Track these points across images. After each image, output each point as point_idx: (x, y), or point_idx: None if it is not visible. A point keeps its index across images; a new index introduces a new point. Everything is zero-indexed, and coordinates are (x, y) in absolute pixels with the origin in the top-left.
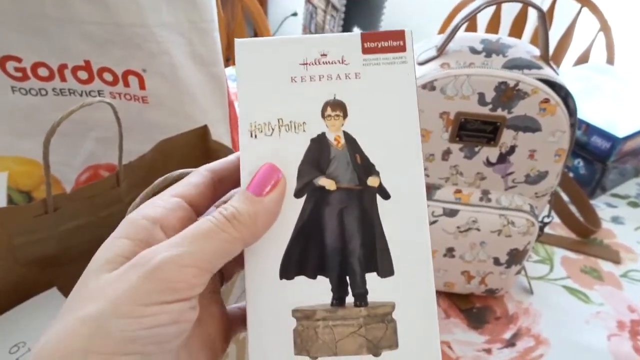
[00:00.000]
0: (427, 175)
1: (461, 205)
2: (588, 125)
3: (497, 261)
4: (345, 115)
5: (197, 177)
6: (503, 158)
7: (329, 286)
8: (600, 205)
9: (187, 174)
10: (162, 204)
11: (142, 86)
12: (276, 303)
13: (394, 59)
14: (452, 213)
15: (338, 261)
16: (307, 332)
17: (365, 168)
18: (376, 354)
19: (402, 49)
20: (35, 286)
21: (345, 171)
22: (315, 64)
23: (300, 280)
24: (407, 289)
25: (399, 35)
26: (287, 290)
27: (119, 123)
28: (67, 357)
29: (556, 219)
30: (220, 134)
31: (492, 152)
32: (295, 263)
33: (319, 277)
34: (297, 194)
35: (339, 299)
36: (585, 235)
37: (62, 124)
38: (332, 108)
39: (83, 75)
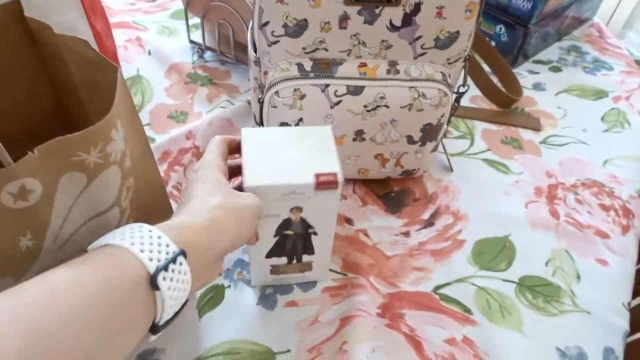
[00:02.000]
0: (325, 50)
1: (367, 81)
2: None
3: (410, 139)
4: (301, 212)
5: (225, 149)
6: (408, 19)
7: (286, 260)
8: (522, 72)
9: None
10: (225, 166)
11: None
12: (263, 264)
13: (329, 189)
14: (357, 90)
15: (291, 255)
16: (275, 268)
17: (309, 227)
18: (302, 272)
19: (335, 186)
20: None
21: (299, 228)
22: (290, 194)
23: (274, 258)
24: (318, 258)
25: (334, 181)
26: (268, 261)
27: None
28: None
29: (477, 92)
30: (71, 19)
31: (395, 14)
32: (273, 254)
33: (282, 257)
34: (275, 236)
35: (290, 262)
36: (506, 105)
37: None
38: (295, 209)
39: None
